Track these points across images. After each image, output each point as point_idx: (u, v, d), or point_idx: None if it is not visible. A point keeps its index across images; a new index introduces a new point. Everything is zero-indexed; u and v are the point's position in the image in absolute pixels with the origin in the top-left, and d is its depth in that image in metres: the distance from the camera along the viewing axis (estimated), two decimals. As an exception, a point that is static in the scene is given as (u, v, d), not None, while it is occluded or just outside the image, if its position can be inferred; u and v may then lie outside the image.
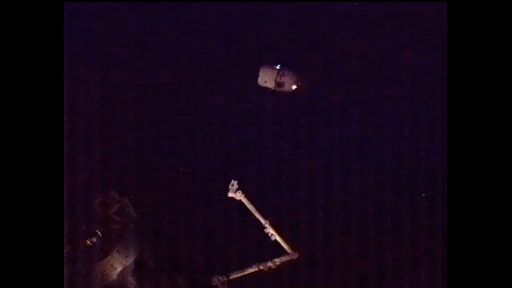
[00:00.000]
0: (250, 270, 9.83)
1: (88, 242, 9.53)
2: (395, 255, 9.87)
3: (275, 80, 10.33)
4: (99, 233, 9.59)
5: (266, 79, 10.35)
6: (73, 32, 10.28)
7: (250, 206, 9.95)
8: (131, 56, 10.82)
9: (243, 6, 10.77)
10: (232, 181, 10.02)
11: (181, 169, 10.45)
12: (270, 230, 9.90)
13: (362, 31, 10.59)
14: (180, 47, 10.86)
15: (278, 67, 10.34)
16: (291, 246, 9.92)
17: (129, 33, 10.88)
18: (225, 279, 9.78)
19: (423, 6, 10.43)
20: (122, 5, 10.86)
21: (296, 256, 9.90)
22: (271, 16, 10.82)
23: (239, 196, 9.99)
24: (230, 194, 10.02)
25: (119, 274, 9.55)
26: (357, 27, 10.62)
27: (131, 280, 9.64)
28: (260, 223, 9.93)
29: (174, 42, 10.88)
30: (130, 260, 9.60)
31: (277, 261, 9.85)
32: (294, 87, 10.32)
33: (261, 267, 9.81)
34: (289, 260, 9.88)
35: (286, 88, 10.34)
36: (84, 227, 9.62)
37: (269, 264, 9.82)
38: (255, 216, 9.95)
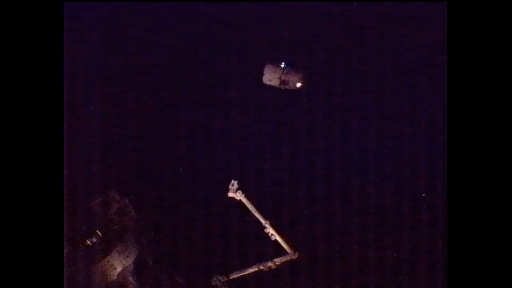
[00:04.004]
0: (250, 270, 9.83)
1: (88, 242, 9.54)
2: (395, 255, 9.87)
3: (280, 78, 10.36)
4: (99, 233, 9.60)
5: (271, 77, 10.39)
6: (73, 32, 10.28)
7: (250, 206, 9.95)
8: (131, 56, 10.82)
9: (244, 5, 10.77)
10: (232, 181, 10.03)
11: (181, 169, 10.45)
12: (270, 230, 9.91)
13: (362, 31, 10.60)
14: (180, 47, 10.87)
15: (282, 65, 10.37)
16: (291, 246, 9.92)
17: (129, 34, 10.88)
18: (225, 279, 9.78)
19: (423, 6, 10.44)
20: (122, 5, 10.86)
21: (296, 256, 9.90)
22: (272, 16, 10.82)
23: (239, 196, 9.99)
24: (230, 194, 10.02)
25: (119, 274, 9.56)
26: (357, 27, 10.63)
27: (131, 280, 9.65)
28: (260, 223, 9.93)
29: (174, 42, 10.88)
30: (130, 260, 9.60)
31: (277, 261, 9.85)
32: (298, 85, 10.34)
33: (261, 267, 9.81)
34: (289, 260, 9.89)
35: (290, 86, 10.36)
36: (84, 227, 9.63)
37: (269, 264, 9.82)
38: (255, 216, 9.96)
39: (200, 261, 9.96)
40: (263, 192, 10.17)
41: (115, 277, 9.56)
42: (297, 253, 9.91)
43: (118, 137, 10.50)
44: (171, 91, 10.77)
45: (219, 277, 9.78)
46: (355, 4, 10.68)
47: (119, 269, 9.55)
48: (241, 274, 9.84)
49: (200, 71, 10.79)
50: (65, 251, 9.31)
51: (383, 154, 10.21)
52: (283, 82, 10.35)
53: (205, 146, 10.51)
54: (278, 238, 9.91)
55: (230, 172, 10.18)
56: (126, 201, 9.91)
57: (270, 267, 9.83)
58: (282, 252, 9.92)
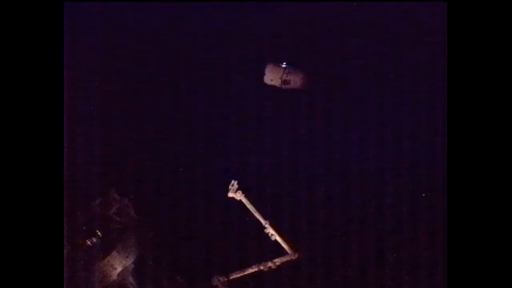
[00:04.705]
0: (250, 270, 9.84)
1: (88, 242, 9.54)
2: (395, 255, 9.87)
3: (281, 78, 10.35)
4: (99, 233, 9.60)
5: (272, 77, 10.38)
6: (73, 32, 10.28)
7: (250, 206, 9.96)
8: (131, 56, 10.82)
9: (245, 5, 10.77)
10: (232, 181, 10.03)
11: (181, 169, 10.45)
12: (270, 230, 9.91)
13: (362, 31, 10.60)
14: (180, 47, 10.87)
15: (283, 65, 10.36)
16: (291, 246, 9.92)
17: (129, 33, 10.88)
18: (225, 279, 9.79)
19: (423, 6, 10.44)
20: (122, 5, 10.86)
21: (296, 256, 9.91)
22: (272, 16, 10.82)
23: (239, 196, 9.99)
24: (230, 194, 10.02)
25: (119, 274, 9.56)
26: (357, 27, 10.62)
27: (131, 280, 9.65)
28: (260, 223, 9.94)
29: (174, 42, 10.88)
30: (130, 260, 9.61)
31: (277, 261, 9.86)
32: (299, 84, 10.33)
33: (261, 267, 9.82)
34: (289, 260, 9.89)
35: (291, 85, 10.36)
36: (84, 227, 9.63)
37: (269, 264, 9.82)
38: (255, 216, 9.96)
39: (200, 261, 9.97)
40: (263, 192, 10.17)
41: (115, 277, 9.56)
42: (297, 253, 9.91)
43: (118, 137, 10.50)
44: (171, 90, 10.76)
45: (219, 277, 9.79)
46: (355, 4, 10.67)
47: (119, 269, 9.55)
48: (241, 274, 9.84)
49: (200, 70, 10.78)
50: (65, 251, 9.31)
51: (383, 154, 10.21)
52: (284, 82, 10.35)
53: (205, 146, 10.51)
54: (278, 238, 9.91)
55: (230, 172, 10.18)
56: (126, 201, 9.92)
57: (270, 267, 9.84)
58: (282, 252, 9.92)
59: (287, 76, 10.35)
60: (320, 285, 9.86)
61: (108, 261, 9.50)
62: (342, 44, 10.61)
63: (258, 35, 10.77)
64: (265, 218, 9.93)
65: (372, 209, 10.07)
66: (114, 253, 9.52)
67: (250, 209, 9.96)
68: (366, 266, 9.87)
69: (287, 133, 10.50)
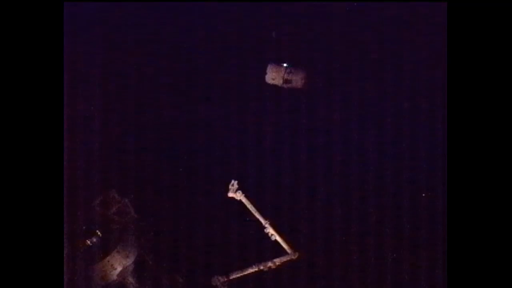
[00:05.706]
0: (250, 270, 9.83)
1: (88, 242, 9.53)
2: (395, 255, 9.87)
3: (283, 77, 10.37)
4: (99, 233, 9.59)
5: (274, 76, 10.39)
6: (73, 32, 10.28)
7: (250, 206, 9.95)
8: (131, 56, 10.82)
9: (245, 5, 10.77)
10: (232, 181, 10.03)
11: (181, 169, 10.45)
12: (270, 230, 9.91)
13: (362, 31, 10.59)
14: (180, 47, 10.86)
15: (285, 64, 10.38)
16: (291, 246, 9.92)
17: (129, 33, 10.88)
18: (225, 279, 9.78)
19: (423, 6, 10.44)
20: (122, 5, 10.86)
21: (296, 256, 9.90)
22: (271, 16, 10.82)
23: (239, 196, 9.99)
24: (230, 194, 10.02)
25: (119, 274, 9.56)
26: (357, 27, 10.62)
27: (131, 280, 9.64)
28: (260, 223, 9.93)
29: (175, 42, 10.88)
30: (130, 260, 9.60)
31: (277, 261, 9.85)
32: (301, 84, 10.35)
33: (261, 267, 9.81)
34: (289, 260, 9.89)
35: (293, 85, 10.37)
36: (84, 227, 9.63)
37: (269, 264, 9.82)
38: (255, 216, 9.95)
39: (200, 261, 9.96)
40: (263, 192, 10.17)
41: (115, 277, 9.56)
42: (297, 253, 9.91)
43: (118, 137, 10.50)
44: (171, 90, 10.76)
45: (219, 277, 9.78)
46: (355, 4, 10.67)
47: (119, 269, 9.55)
48: (241, 274, 9.84)
49: (200, 70, 10.78)
50: (65, 251, 9.30)
51: (383, 154, 10.21)
52: (286, 81, 10.37)
53: (205, 146, 10.51)
54: (278, 238, 9.91)
55: (230, 172, 10.18)
56: (126, 201, 9.91)
57: (270, 267, 9.83)
58: (282, 252, 9.92)
59: (288, 76, 10.37)
60: (320, 285, 9.86)
61: (108, 261, 9.49)
62: (342, 44, 10.61)
63: (259, 35, 10.77)
64: (265, 218, 9.93)
65: (372, 209, 10.07)
66: (114, 253, 9.51)
67: (250, 209, 9.96)
68: (366, 266, 9.87)
69: (287, 133, 10.50)
